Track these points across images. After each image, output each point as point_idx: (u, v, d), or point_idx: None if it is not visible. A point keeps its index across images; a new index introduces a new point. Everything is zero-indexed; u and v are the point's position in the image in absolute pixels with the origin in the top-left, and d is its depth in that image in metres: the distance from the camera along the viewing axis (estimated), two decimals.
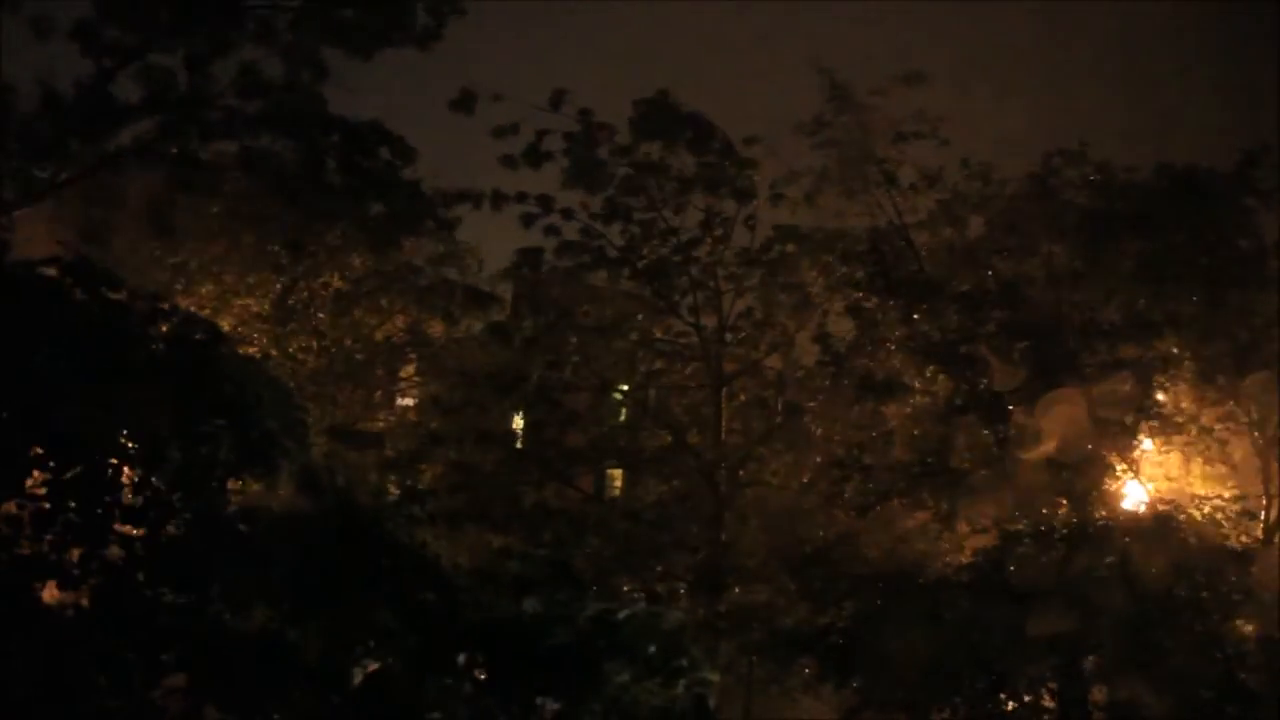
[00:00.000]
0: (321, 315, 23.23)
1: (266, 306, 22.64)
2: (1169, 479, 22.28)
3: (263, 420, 10.90)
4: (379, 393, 24.80)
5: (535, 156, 22.90)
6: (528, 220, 23.09)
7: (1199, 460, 22.39)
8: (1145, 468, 22.30)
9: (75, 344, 10.61)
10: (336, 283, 23.36)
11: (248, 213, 22.23)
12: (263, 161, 21.66)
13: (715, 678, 11.20)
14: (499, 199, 23.06)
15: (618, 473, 26.98)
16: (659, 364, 23.94)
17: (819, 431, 23.51)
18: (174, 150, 21.72)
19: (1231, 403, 22.60)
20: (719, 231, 22.98)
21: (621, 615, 11.08)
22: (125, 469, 10.74)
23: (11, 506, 10.51)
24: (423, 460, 23.00)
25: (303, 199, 21.38)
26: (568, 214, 23.08)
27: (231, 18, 21.26)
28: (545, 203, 23.14)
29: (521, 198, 23.12)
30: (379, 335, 24.03)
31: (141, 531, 10.67)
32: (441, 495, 22.56)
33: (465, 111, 22.76)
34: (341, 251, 23.43)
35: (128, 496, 10.64)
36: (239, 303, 22.25)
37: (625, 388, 24.60)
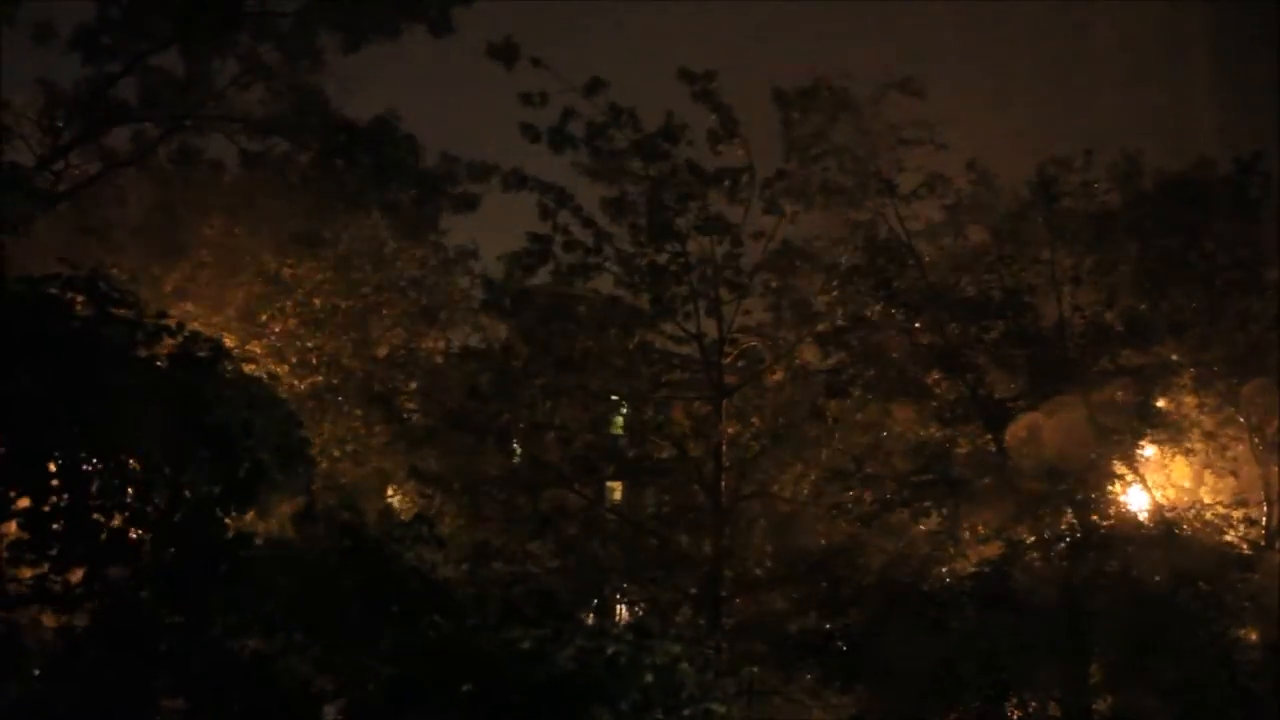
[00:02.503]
0: (321, 333, 23.11)
1: (266, 321, 22.54)
2: (1173, 486, 22.25)
3: (253, 450, 10.74)
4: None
5: (560, 139, 22.27)
6: (544, 211, 22.70)
7: (1200, 466, 22.38)
8: (1153, 475, 22.30)
9: (71, 365, 10.49)
10: (338, 299, 23.23)
11: (252, 214, 22.15)
12: (265, 160, 21.74)
13: (722, 709, 10.90)
14: (518, 180, 22.59)
15: (616, 484, 26.91)
16: (658, 374, 23.73)
17: (820, 440, 23.44)
18: (175, 149, 21.82)
19: (1231, 408, 22.62)
20: (722, 238, 22.76)
21: (610, 650, 10.75)
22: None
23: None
24: (426, 444, 22.89)
25: (314, 186, 21.37)
26: (578, 211, 22.69)
27: (231, 21, 21.30)
28: (562, 196, 22.80)
29: (541, 186, 22.60)
30: (379, 351, 23.89)
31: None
32: (446, 481, 22.66)
33: (504, 62, 21.79)
34: (346, 262, 23.38)
35: (116, 521, 10.54)
36: (237, 320, 22.14)
37: (624, 397, 24.43)
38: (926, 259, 23.47)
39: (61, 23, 21.64)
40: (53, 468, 10.53)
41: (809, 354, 23.92)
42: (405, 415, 23.73)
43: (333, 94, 21.98)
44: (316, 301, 22.91)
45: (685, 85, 22.45)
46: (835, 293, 23.20)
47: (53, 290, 10.92)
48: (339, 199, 22.26)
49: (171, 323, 11.15)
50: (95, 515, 10.48)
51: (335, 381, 23.15)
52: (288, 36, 21.76)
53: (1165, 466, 22.46)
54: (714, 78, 22.47)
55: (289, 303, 22.76)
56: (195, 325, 13.10)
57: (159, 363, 11.04)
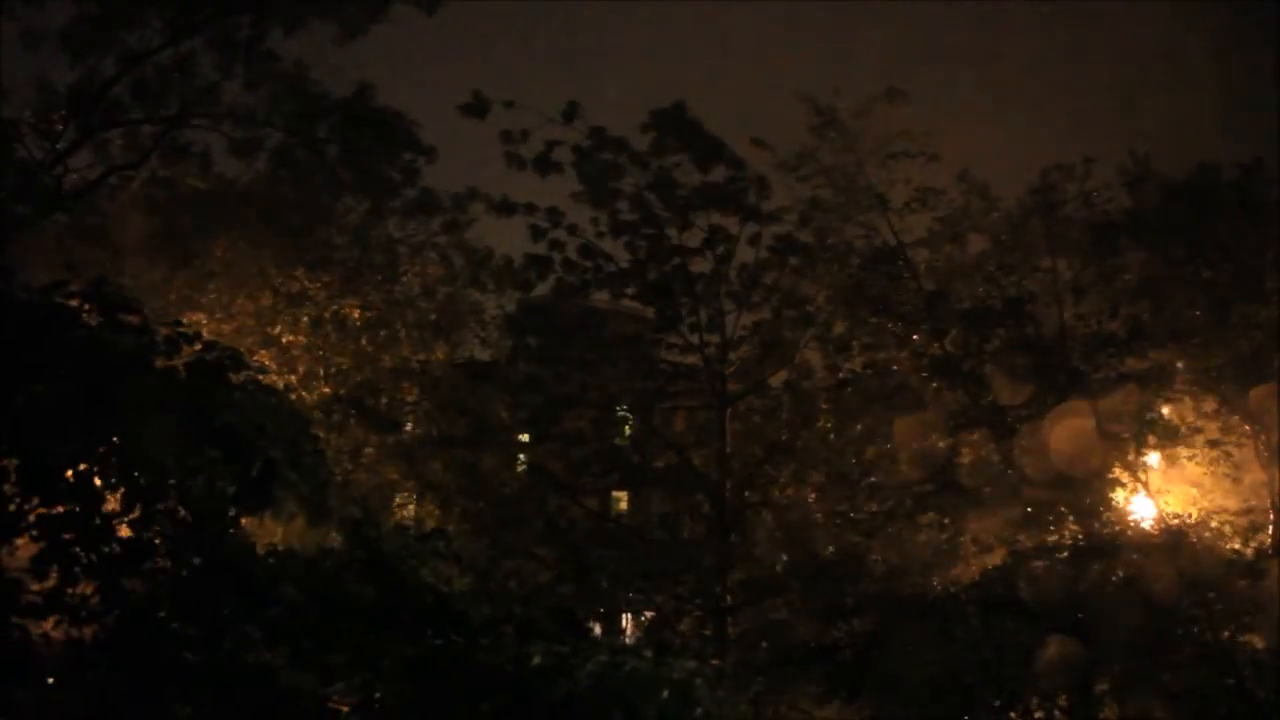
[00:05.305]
0: (333, 341, 23.09)
1: (279, 333, 22.54)
2: (1179, 493, 22.24)
3: (264, 449, 10.70)
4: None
5: (545, 165, 22.49)
6: (536, 232, 22.76)
7: (1204, 474, 22.39)
8: (1158, 482, 22.30)
9: (82, 375, 10.45)
10: (350, 312, 23.21)
11: (259, 224, 22.19)
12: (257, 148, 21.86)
13: None
14: (507, 207, 22.74)
15: (621, 492, 26.90)
16: (662, 384, 23.72)
17: (823, 446, 23.41)
18: (166, 146, 21.91)
19: (1235, 415, 22.63)
20: (721, 249, 22.76)
21: (627, 668, 10.75)
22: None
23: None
24: (430, 452, 22.87)
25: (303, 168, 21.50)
26: (573, 230, 22.75)
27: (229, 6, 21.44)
28: (554, 216, 22.86)
29: (530, 208, 22.83)
30: (388, 362, 23.82)
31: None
32: (450, 491, 22.66)
33: (476, 116, 22.26)
34: (356, 275, 23.41)
35: (126, 531, 10.49)
36: (245, 330, 22.10)
37: (628, 407, 24.42)
38: (924, 267, 23.49)
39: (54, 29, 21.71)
40: (65, 477, 10.49)
41: (810, 358, 23.96)
42: (406, 427, 23.75)
43: (323, 79, 22.15)
44: (326, 314, 22.88)
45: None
46: (837, 304, 23.22)
47: (61, 299, 10.87)
48: (326, 172, 22.41)
49: (188, 330, 11.10)
50: (108, 525, 10.43)
51: (342, 393, 23.11)
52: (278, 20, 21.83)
53: (1170, 474, 22.47)
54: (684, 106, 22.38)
55: (298, 314, 22.75)
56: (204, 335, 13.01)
57: (173, 370, 10.99)
